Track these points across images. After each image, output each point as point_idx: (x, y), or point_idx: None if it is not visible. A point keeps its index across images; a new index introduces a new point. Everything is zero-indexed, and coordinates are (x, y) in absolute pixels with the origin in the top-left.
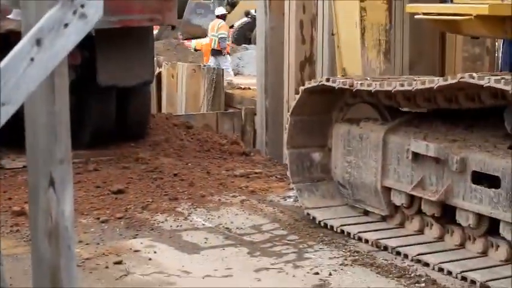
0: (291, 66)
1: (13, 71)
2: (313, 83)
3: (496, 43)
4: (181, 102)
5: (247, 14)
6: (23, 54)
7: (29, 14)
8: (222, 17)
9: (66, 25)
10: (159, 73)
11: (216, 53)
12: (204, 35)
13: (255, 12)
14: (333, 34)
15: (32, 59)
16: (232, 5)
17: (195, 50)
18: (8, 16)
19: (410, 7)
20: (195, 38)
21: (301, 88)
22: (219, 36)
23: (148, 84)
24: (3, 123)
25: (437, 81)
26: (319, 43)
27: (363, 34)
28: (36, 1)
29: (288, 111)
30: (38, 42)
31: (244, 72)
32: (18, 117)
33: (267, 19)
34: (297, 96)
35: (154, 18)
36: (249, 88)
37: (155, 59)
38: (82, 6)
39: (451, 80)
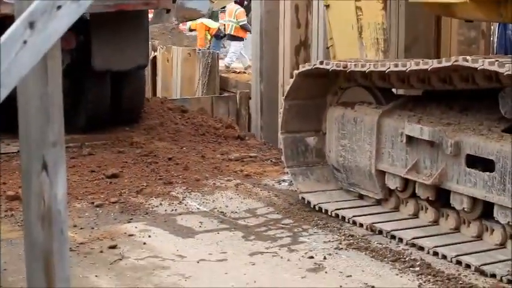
0: (286, 51)
1: (6, 54)
2: (307, 67)
3: (492, 26)
4: (176, 86)
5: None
6: (15, 37)
7: None
8: (240, 2)
9: (59, 7)
10: (154, 57)
11: (233, 38)
12: (196, 17)
13: None
14: (328, 48)
15: (24, 42)
16: None
17: (190, 29)
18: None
19: None
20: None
21: (295, 72)
22: (240, 23)
23: (142, 68)
24: None
25: (432, 63)
26: (315, 27)
27: (360, 34)
28: None
29: (283, 96)
30: (31, 25)
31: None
32: (12, 101)
33: (263, 3)
34: (291, 80)
35: (149, 2)
36: (244, 72)
37: (150, 43)
38: None
39: (445, 63)
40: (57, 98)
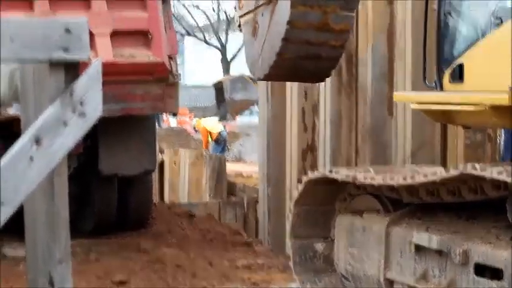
0: (293, 155)
1: (12, 171)
2: (316, 174)
3: (498, 130)
4: (184, 189)
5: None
6: (22, 153)
7: (28, 109)
8: None
9: (65, 123)
10: (162, 160)
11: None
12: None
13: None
14: None
15: (31, 158)
16: None
17: (195, 129)
18: (8, 110)
19: (398, 96)
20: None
21: (304, 179)
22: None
23: (150, 173)
24: (2, 223)
25: (440, 174)
26: (321, 131)
27: None
28: (35, 96)
29: (290, 200)
30: (38, 141)
31: (246, 159)
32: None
33: (269, 106)
34: (300, 187)
35: (156, 105)
36: (251, 176)
37: (157, 145)
38: (81, 103)
39: (453, 172)
40: (64, 215)
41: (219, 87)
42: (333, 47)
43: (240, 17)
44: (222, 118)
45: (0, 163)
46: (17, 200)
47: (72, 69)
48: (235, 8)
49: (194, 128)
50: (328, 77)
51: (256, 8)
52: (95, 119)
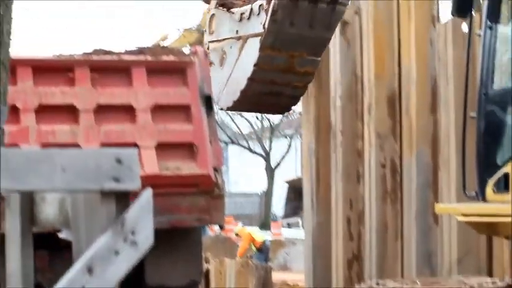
0: (338, 264)
1: None
2: (363, 287)
3: None
4: None
5: None
6: (75, 282)
7: (80, 237)
8: None
9: (117, 252)
10: (207, 269)
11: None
12: None
13: None
14: None
15: None
16: None
17: (236, 235)
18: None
19: (441, 208)
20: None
21: None
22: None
23: (196, 284)
24: None
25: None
26: (367, 240)
27: None
28: (86, 224)
29: None
30: (90, 270)
31: (292, 268)
32: None
33: (314, 215)
34: None
35: (202, 218)
36: (297, 285)
37: (203, 256)
38: (132, 233)
39: (500, 284)
40: None
41: (294, 186)
42: (296, 87)
43: (210, 42)
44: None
45: None
46: None
47: (123, 199)
48: (205, 30)
49: (236, 234)
50: (288, 111)
51: (225, 39)
52: (146, 247)
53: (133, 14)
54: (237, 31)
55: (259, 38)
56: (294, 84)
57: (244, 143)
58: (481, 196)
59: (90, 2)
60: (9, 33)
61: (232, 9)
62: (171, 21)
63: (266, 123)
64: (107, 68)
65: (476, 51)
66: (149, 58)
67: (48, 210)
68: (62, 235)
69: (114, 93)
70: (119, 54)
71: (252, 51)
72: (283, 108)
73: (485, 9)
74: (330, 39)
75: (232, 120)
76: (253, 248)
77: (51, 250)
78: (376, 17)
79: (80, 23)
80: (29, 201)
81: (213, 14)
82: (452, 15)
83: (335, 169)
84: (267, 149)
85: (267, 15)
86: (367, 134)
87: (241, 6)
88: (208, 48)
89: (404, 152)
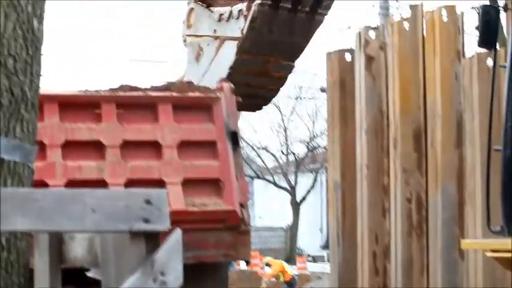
0: None
1: None
2: None
3: None
4: None
5: None
6: None
7: (109, 278)
8: None
9: None
10: None
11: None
12: None
13: None
14: None
15: None
16: None
17: (266, 264)
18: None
19: (466, 243)
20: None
21: None
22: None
23: None
24: None
25: None
26: (393, 275)
27: None
28: (115, 265)
29: None
30: None
31: None
32: None
33: (339, 250)
34: None
35: (228, 253)
36: None
37: None
38: (162, 273)
39: None
40: None
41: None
42: (270, 90)
43: (187, 35)
44: (289, 261)
45: None
46: None
47: (153, 239)
48: (183, 22)
49: (267, 263)
50: (260, 110)
51: (202, 36)
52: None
53: (133, 14)
54: (215, 30)
55: (237, 42)
56: (269, 87)
57: (270, 177)
58: (507, 231)
59: (90, 2)
60: (38, 74)
61: (211, 7)
62: (171, 21)
63: (291, 158)
64: (133, 104)
65: (502, 84)
66: (175, 94)
67: (77, 249)
68: (90, 274)
69: (140, 130)
70: (145, 90)
71: (228, 53)
72: (254, 107)
73: (511, 41)
74: (306, 47)
75: (258, 155)
76: (282, 280)
77: (79, 286)
78: (401, 52)
79: (80, 23)
80: (58, 240)
81: (192, 8)
82: (479, 46)
83: (360, 204)
84: (292, 183)
85: (246, 20)
86: (393, 168)
87: (221, 4)
88: (185, 41)
89: (430, 187)
